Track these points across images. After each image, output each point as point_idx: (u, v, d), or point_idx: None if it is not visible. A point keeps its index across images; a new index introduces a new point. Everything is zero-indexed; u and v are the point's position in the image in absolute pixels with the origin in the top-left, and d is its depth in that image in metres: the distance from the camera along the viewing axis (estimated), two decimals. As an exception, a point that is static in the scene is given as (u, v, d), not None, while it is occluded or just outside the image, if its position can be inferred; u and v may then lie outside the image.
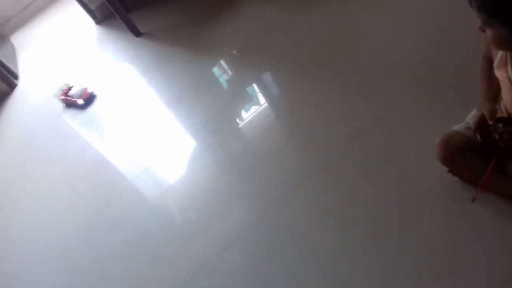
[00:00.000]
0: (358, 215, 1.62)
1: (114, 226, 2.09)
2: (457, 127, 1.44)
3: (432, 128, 1.54)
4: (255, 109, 2.30)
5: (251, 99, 2.39)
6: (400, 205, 1.58)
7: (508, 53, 1.17)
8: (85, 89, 2.99)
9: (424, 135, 1.60)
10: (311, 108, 2.11)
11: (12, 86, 3.68)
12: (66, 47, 3.84)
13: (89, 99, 2.97)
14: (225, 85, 2.57)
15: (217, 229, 1.83)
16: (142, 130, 2.55)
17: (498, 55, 1.21)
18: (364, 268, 1.48)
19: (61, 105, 3.08)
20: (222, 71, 2.67)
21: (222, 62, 2.72)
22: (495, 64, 1.23)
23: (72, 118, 2.95)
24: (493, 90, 1.34)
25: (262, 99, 2.37)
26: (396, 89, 1.95)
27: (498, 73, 1.23)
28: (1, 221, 2.49)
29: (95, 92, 3.00)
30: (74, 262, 2.03)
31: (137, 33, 3.25)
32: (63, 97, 3.00)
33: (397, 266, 1.44)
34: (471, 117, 1.41)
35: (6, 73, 3.64)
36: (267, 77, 2.46)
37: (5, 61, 3.71)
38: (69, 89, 3.02)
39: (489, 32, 1.07)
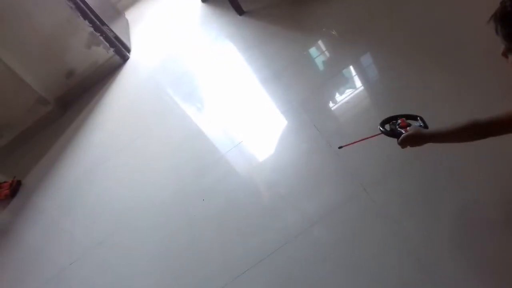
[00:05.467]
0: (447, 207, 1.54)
1: (208, 193, 2.20)
2: None
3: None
4: (351, 91, 2.26)
5: (347, 81, 2.35)
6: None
7: None
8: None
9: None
10: (411, 91, 2.02)
11: (124, 59, 4.00)
12: (174, 24, 4.07)
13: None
14: (322, 66, 2.55)
15: (305, 205, 1.85)
16: (239, 106, 2.64)
17: None
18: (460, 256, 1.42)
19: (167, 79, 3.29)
20: (320, 52, 2.65)
21: (321, 42, 2.70)
22: None
23: (174, 91, 3.14)
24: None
25: (359, 81, 2.32)
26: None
27: None
28: (107, 181, 2.75)
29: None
30: (170, 224, 2.17)
31: (240, 11, 3.33)
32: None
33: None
34: None
35: (120, 46, 3.96)
36: (366, 58, 2.40)
37: (119, 35, 4.03)
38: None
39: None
